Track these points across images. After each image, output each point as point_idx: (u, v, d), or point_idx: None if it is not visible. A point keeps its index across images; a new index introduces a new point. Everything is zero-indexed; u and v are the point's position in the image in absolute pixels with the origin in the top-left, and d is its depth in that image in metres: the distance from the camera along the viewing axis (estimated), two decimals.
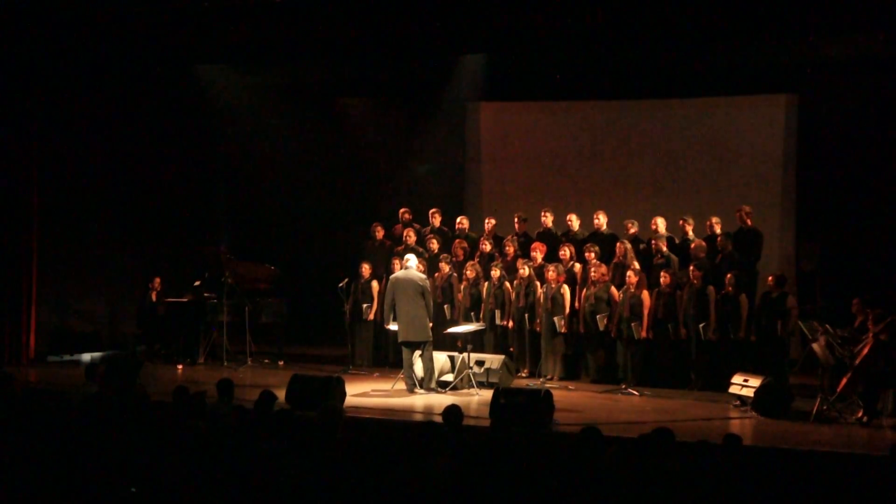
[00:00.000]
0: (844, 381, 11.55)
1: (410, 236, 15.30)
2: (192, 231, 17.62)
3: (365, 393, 12.90)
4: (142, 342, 16.01)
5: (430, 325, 13.17)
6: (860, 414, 11.36)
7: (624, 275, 13.76)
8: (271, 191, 18.41)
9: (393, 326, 13.43)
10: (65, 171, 16.04)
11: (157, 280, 15.99)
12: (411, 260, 13.38)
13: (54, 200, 15.83)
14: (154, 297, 15.93)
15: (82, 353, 15.60)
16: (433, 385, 12.96)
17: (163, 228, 17.20)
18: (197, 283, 15.84)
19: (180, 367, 15.08)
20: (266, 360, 15.39)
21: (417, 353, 13.05)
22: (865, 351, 11.43)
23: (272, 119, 18.01)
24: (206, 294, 15.66)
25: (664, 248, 14.11)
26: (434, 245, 15.02)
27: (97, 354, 15.49)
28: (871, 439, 10.60)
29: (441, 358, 13.41)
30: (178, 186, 17.58)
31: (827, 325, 11.82)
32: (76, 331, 16.18)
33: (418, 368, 13.07)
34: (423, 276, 13.43)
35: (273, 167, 18.24)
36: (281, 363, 15.34)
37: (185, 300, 15.78)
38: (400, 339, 13.13)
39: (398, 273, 13.45)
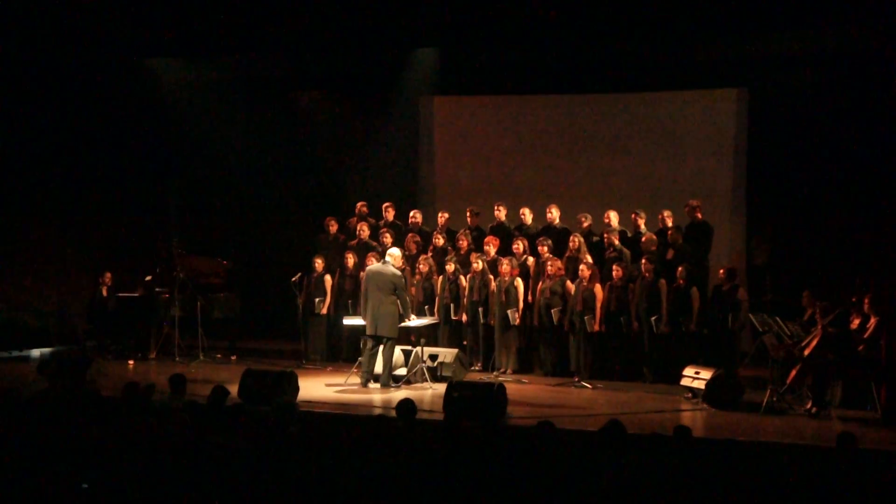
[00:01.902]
0: (794, 373, 11.69)
1: (364, 230, 15.28)
2: (143, 225, 17.49)
3: (320, 388, 12.86)
4: (92, 337, 15.86)
5: (402, 323, 13.05)
6: (809, 405, 11.51)
7: (577, 268, 13.81)
8: (223, 185, 18.31)
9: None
10: (14, 165, 15.88)
11: (108, 275, 15.83)
12: (389, 256, 13.25)
13: (2, 194, 15.65)
14: (105, 292, 15.78)
15: (32, 349, 15.46)
16: (390, 383, 12.90)
17: (114, 223, 17.07)
18: (148, 278, 15.72)
19: (131, 362, 14.96)
20: (218, 356, 15.29)
21: (380, 347, 12.97)
22: (814, 343, 11.57)
23: (224, 112, 17.87)
24: (157, 289, 15.54)
25: (616, 242, 14.18)
26: (387, 239, 14.98)
27: (47, 350, 15.37)
28: (819, 430, 10.71)
29: (395, 352, 13.39)
30: (130, 181, 17.43)
31: (777, 318, 11.94)
32: (26, 326, 16.00)
33: (377, 363, 13.00)
34: (398, 272, 13.20)
35: (225, 161, 18.10)
36: (233, 358, 15.26)
37: (137, 295, 15.65)
38: (367, 332, 13.05)
39: (373, 266, 13.36)
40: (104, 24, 15.21)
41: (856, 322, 11.73)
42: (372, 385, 12.87)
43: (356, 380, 13.08)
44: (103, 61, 16.16)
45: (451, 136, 18.01)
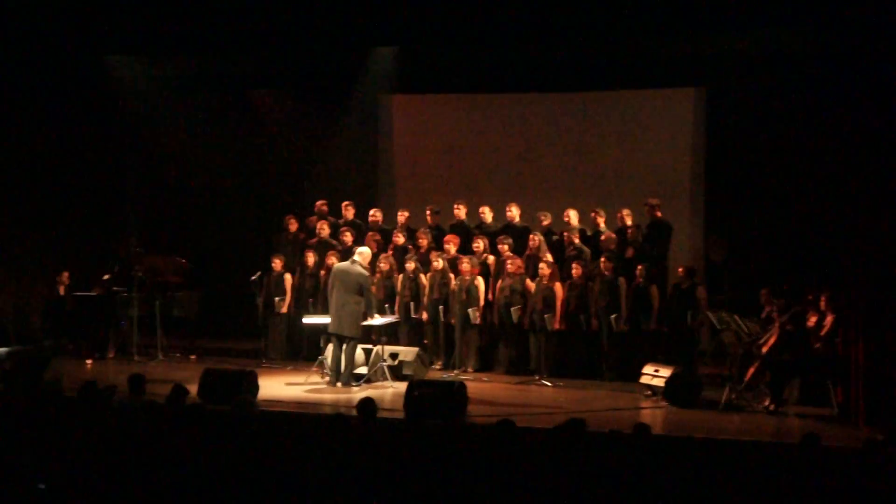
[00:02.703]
0: (752, 370, 11.80)
1: (324, 229, 15.23)
2: (101, 224, 17.34)
3: (281, 387, 12.82)
4: (50, 337, 15.70)
5: (365, 321, 13.04)
6: (767, 402, 11.60)
7: (536, 267, 13.84)
8: (182, 183, 18.18)
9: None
10: None
11: (66, 274, 15.68)
12: (358, 255, 13.22)
13: None
14: (62, 291, 15.63)
15: None
16: (351, 381, 12.87)
17: (71, 221, 16.90)
18: (106, 277, 15.59)
19: (89, 361, 14.84)
20: (177, 355, 15.22)
21: (343, 346, 12.93)
22: (772, 341, 11.68)
23: (183, 111, 17.74)
24: (115, 288, 15.41)
25: (576, 240, 14.24)
26: (347, 238, 14.94)
27: (3, 350, 15.19)
28: (777, 427, 10.83)
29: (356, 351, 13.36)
30: (87, 178, 17.27)
31: (735, 316, 12.03)
32: None
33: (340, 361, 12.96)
34: (365, 272, 13.19)
35: (184, 159, 17.98)
36: (193, 357, 15.18)
37: (95, 294, 15.51)
38: (330, 330, 13.03)
39: (341, 264, 13.32)
40: (61, 21, 15.05)
41: (813, 320, 11.83)
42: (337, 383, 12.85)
43: (316, 379, 13.06)
44: (60, 58, 15.99)
45: (410, 134, 18.00)
